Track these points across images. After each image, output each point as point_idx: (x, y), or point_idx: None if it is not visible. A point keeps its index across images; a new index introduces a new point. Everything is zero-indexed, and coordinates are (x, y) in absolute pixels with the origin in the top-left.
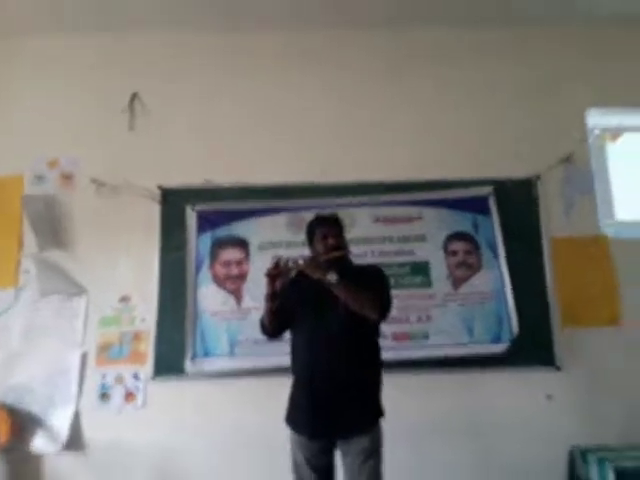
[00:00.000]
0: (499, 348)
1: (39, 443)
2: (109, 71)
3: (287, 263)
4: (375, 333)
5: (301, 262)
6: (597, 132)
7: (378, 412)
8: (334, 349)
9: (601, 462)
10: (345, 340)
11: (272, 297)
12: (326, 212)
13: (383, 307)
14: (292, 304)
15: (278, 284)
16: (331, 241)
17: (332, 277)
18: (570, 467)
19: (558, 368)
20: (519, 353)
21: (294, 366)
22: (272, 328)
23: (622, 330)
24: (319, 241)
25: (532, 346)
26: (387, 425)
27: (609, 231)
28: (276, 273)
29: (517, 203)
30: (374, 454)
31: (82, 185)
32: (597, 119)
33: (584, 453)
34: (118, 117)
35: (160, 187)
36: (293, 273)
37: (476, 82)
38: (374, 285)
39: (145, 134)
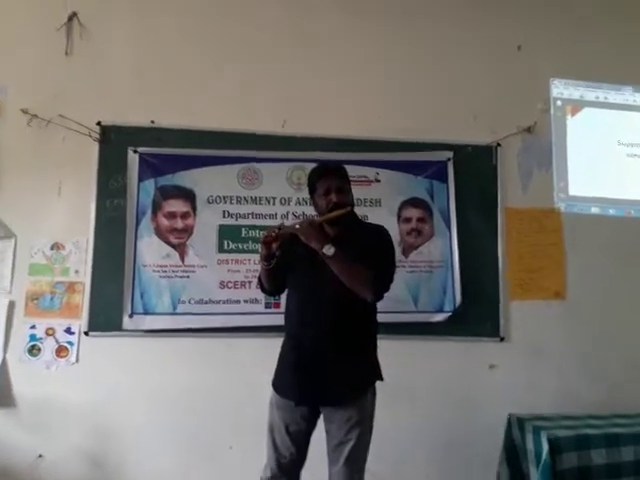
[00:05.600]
0: (441, 317)
1: None
2: None
3: (284, 229)
4: None
5: (298, 227)
6: (559, 103)
7: (372, 378)
8: (327, 311)
9: (536, 430)
10: (340, 303)
11: (268, 258)
12: (327, 162)
13: (379, 287)
14: (287, 261)
15: (274, 246)
16: (334, 198)
17: (328, 250)
18: (507, 434)
19: (502, 339)
20: (465, 323)
21: (286, 326)
22: (270, 286)
23: (565, 304)
24: (321, 196)
25: (478, 317)
26: None
27: (562, 205)
28: (271, 240)
29: (475, 171)
30: (362, 422)
31: (11, 116)
32: (560, 89)
33: (521, 421)
34: (53, 39)
35: (99, 124)
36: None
37: (442, 41)
38: (376, 258)
39: (84, 61)
